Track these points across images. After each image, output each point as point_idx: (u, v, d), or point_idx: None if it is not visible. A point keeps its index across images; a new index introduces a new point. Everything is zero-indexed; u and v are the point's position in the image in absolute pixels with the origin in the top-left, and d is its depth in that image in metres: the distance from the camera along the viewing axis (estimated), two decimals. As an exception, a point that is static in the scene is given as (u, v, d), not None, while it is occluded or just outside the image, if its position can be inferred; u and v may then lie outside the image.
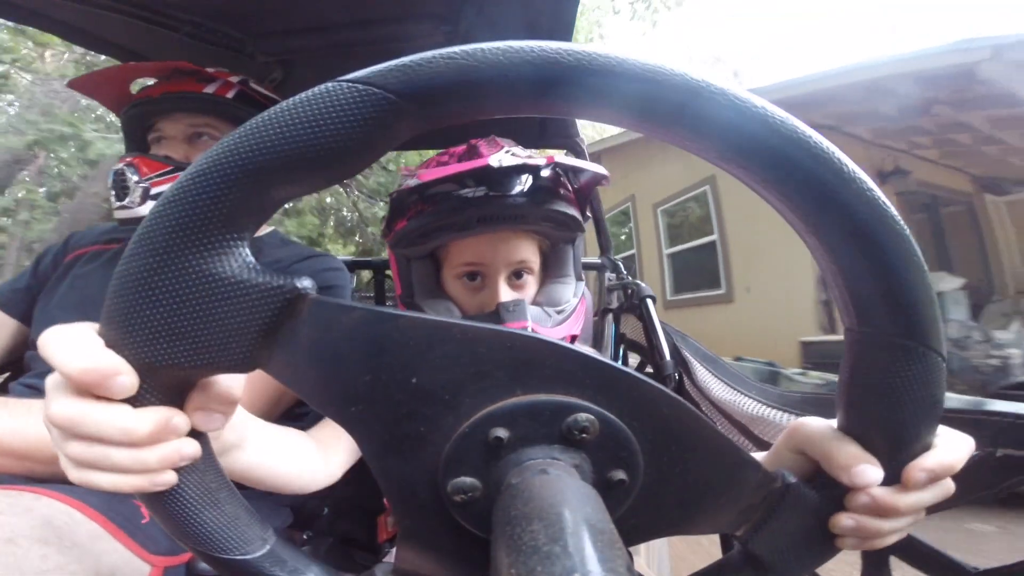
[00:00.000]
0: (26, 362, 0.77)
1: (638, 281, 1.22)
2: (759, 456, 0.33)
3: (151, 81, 0.84)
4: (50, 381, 0.24)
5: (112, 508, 0.54)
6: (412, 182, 0.61)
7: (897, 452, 0.28)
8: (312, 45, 1.03)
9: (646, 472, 0.27)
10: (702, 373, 0.90)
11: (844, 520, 0.29)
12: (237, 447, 0.40)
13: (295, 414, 0.77)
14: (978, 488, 0.37)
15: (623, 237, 6.83)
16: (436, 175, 0.58)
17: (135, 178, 0.74)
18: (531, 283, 0.68)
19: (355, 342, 0.24)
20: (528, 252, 0.66)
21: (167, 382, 0.25)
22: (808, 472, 0.31)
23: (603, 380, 0.26)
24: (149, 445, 0.24)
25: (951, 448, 0.28)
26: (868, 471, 0.27)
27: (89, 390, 0.23)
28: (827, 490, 0.29)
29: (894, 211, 0.24)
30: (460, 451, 0.25)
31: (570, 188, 0.67)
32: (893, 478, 0.28)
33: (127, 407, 0.24)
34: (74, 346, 0.23)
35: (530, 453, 0.25)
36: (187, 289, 0.23)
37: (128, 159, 0.76)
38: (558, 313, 0.66)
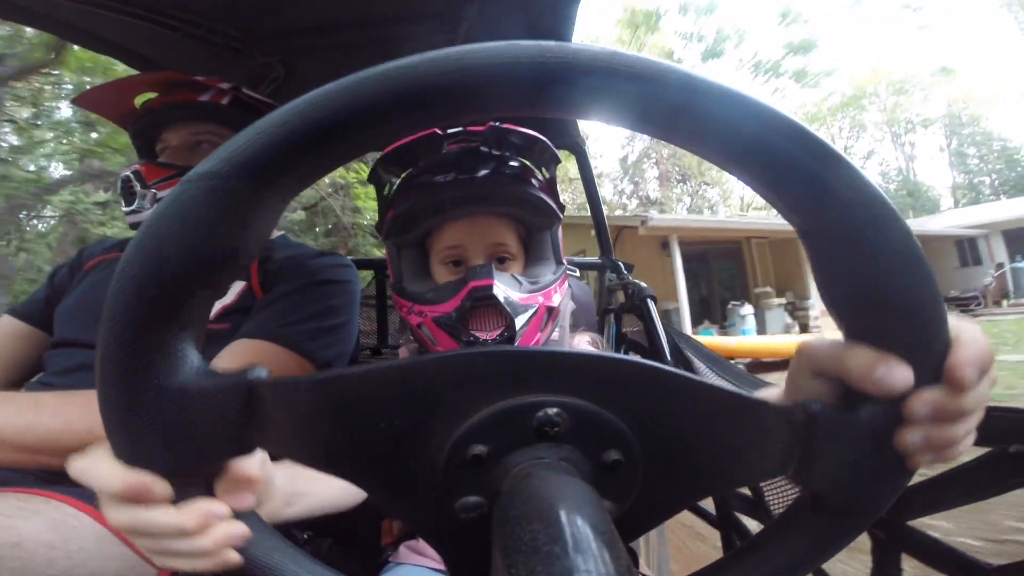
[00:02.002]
0: (44, 362, 0.79)
1: (638, 281, 1.22)
2: (774, 392, 0.33)
3: (153, 95, 0.89)
4: (101, 496, 0.27)
5: None
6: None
7: (919, 350, 0.25)
8: (312, 45, 1.03)
9: (644, 445, 0.26)
10: (705, 373, 0.90)
11: (910, 436, 0.26)
12: (289, 504, 0.43)
13: None
14: (992, 485, 0.37)
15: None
16: (391, 147, 0.65)
17: (140, 185, 0.80)
18: (514, 268, 0.72)
19: (317, 410, 0.26)
20: (505, 236, 0.70)
21: (190, 479, 0.27)
22: (837, 394, 0.28)
23: (559, 370, 0.26)
24: (199, 534, 0.26)
25: (976, 337, 0.26)
26: (895, 372, 0.25)
27: (132, 502, 0.26)
28: (874, 407, 0.26)
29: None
30: (452, 476, 0.26)
31: (540, 178, 0.72)
32: (928, 378, 0.25)
33: (168, 506, 0.26)
34: (103, 471, 0.26)
35: (514, 459, 0.25)
36: (154, 404, 0.24)
37: (134, 167, 0.82)
38: (531, 283, 0.69)
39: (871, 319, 0.26)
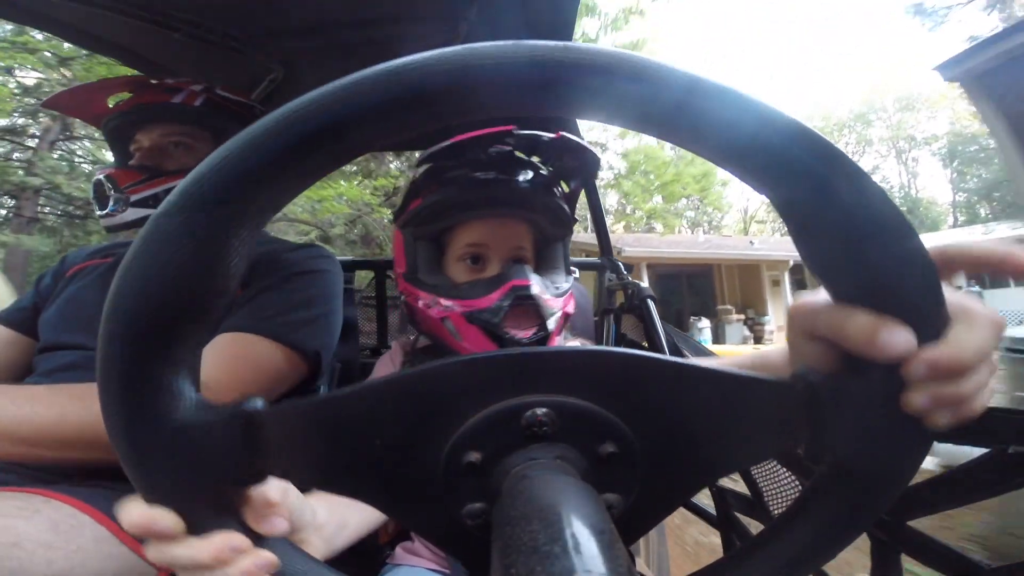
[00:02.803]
0: (33, 365, 0.80)
1: (638, 281, 1.22)
2: (777, 355, 0.32)
3: (127, 94, 0.89)
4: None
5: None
6: (427, 160, 0.67)
7: (914, 310, 0.24)
8: (312, 45, 1.03)
9: (640, 434, 0.26)
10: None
11: (915, 399, 0.24)
12: (338, 536, 0.44)
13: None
14: (992, 486, 0.37)
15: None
16: (465, 136, 0.64)
17: (113, 189, 0.81)
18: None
19: (313, 433, 0.26)
20: (525, 240, 0.72)
21: (208, 510, 0.27)
22: (836, 357, 0.27)
23: (544, 369, 0.26)
24: (222, 566, 0.26)
25: (971, 300, 0.25)
26: (896, 336, 0.23)
27: (150, 537, 0.26)
28: (877, 371, 0.25)
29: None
30: (453, 484, 0.26)
31: (562, 189, 0.75)
32: (927, 336, 0.24)
33: (192, 539, 0.26)
34: (129, 509, 0.26)
35: (509, 462, 0.25)
36: (156, 441, 0.24)
37: (106, 171, 0.83)
38: (556, 288, 0.71)
39: (861, 281, 0.25)
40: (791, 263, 12.95)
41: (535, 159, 0.73)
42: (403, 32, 0.99)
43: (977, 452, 0.37)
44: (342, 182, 6.19)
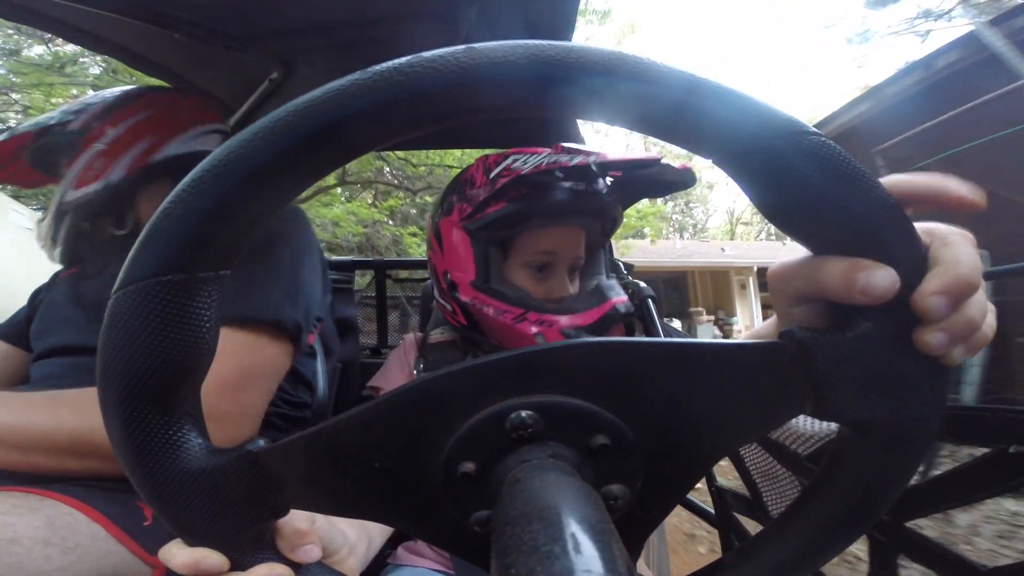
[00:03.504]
0: (28, 377, 0.80)
1: (638, 281, 1.22)
2: (768, 325, 0.32)
3: None
4: None
5: (115, 510, 0.54)
6: (529, 166, 0.66)
7: (893, 246, 0.24)
8: (312, 45, 1.03)
9: (632, 421, 0.26)
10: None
11: (932, 337, 0.23)
12: (370, 550, 0.46)
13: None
14: (991, 486, 0.36)
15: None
16: (624, 158, 0.65)
17: None
18: (577, 279, 0.75)
19: (314, 464, 0.26)
20: (583, 248, 0.73)
21: (246, 545, 0.28)
22: (828, 313, 0.27)
23: (524, 370, 0.26)
24: None
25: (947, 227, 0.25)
26: (876, 275, 0.23)
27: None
28: (874, 317, 0.24)
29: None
30: (455, 496, 0.26)
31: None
32: (912, 275, 0.23)
33: (237, 573, 0.27)
34: (172, 551, 0.27)
35: (503, 467, 0.25)
36: (175, 489, 0.25)
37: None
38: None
39: (833, 230, 0.24)
40: (755, 268, 14.33)
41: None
42: (403, 32, 0.98)
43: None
44: (356, 201, 6.88)
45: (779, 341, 0.25)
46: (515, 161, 0.68)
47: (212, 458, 0.26)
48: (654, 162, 0.67)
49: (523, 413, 0.25)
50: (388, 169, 7.17)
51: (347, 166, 6.21)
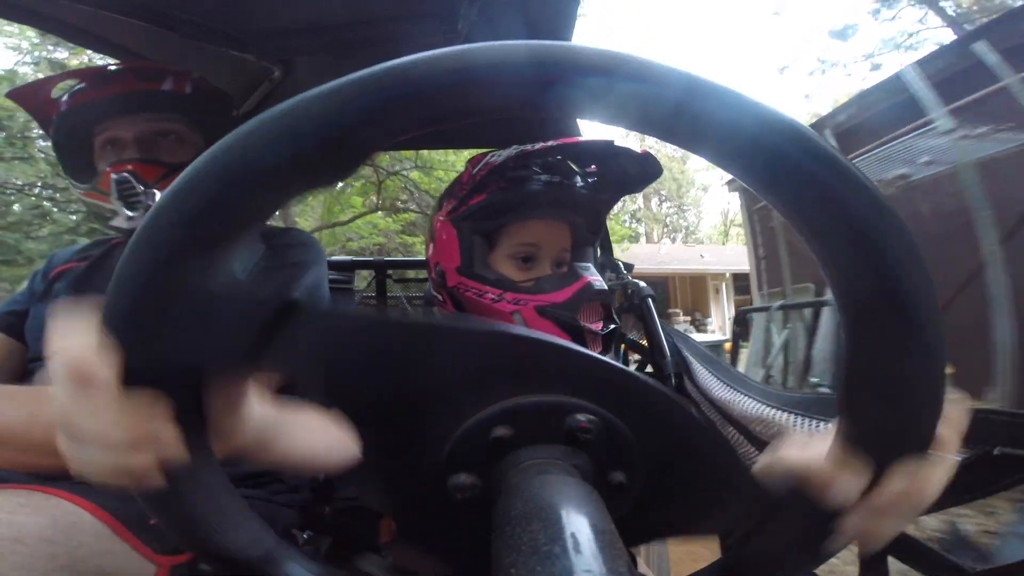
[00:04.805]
0: (28, 373, 0.79)
1: (638, 281, 1.22)
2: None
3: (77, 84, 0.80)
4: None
5: (120, 508, 0.54)
6: (502, 157, 0.70)
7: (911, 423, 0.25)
8: (312, 45, 1.03)
9: (646, 475, 0.27)
10: (702, 373, 0.90)
11: (853, 524, 0.26)
12: (271, 441, 0.38)
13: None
14: (976, 488, 0.37)
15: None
16: (562, 142, 0.69)
17: (141, 186, 0.73)
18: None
19: (352, 347, 0.25)
20: (568, 244, 0.75)
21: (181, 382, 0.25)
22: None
23: (606, 380, 0.26)
24: (130, 450, 0.24)
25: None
26: (843, 486, 0.25)
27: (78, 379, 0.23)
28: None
29: (897, 211, 0.23)
30: (461, 450, 0.26)
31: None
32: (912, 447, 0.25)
33: (111, 403, 0.23)
34: (67, 333, 0.23)
35: (531, 453, 0.25)
36: (180, 299, 0.22)
37: (126, 166, 0.75)
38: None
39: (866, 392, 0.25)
40: (727, 275, 16.37)
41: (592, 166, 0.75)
42: (403, 32, 0.99)
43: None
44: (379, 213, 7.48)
45: (770, 485, 0.27)
46: (493, 156, 0.72)
47: (241, 288, 0.23)
48: (607, 143, 0.69)
49: (584, 416, 0.25)
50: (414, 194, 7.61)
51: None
